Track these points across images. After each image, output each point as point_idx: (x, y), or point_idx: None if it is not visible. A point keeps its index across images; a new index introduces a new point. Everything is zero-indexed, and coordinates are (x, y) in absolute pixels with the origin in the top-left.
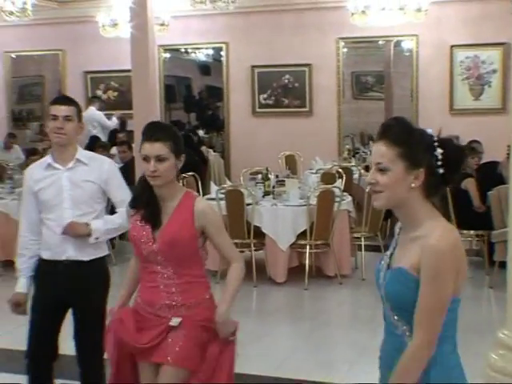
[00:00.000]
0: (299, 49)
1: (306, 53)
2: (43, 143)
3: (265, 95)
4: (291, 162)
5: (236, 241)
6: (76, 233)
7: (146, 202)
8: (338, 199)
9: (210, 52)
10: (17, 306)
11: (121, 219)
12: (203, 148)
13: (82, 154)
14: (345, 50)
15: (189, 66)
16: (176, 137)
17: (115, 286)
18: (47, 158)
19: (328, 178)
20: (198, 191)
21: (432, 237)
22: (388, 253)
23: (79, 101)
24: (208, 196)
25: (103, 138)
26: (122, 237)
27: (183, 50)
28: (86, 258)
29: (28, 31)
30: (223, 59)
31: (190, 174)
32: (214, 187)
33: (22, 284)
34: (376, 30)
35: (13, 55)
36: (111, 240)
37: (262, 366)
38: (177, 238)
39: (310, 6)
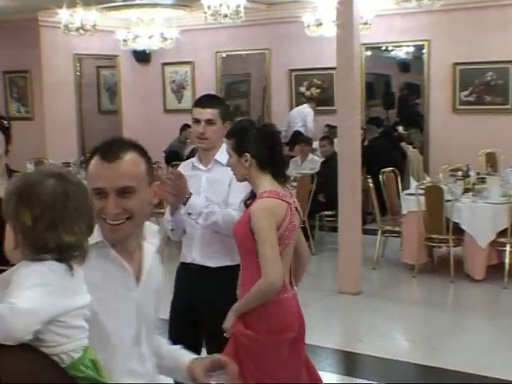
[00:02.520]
0: (503, 45)
1: (509, 49)
2: None
3: (466, 92)
4: (492, 160)
5: (434, 236)
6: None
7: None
8: None
9: (411, 50)
10: None
11: (221, 214)
12: (402, 144)
13: (223, 154)
14: None
15: (388, 64)
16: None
17: (313, 275)
18: (194, 159)
19: None
20: (397, 186)
21: None
22: None
23: (283, 98)
24: (407, 191)
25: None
26: (321, 227)
27: (383, 48)
28: (211, 265)
29: (238, 32)
30: (424, 57)
31: (389, 169)
32: (413, 183)
33: None
34: None
35: (223, 55)
36: (310, 231)
37: (459, 360)
38: (234, 232)
39: None
